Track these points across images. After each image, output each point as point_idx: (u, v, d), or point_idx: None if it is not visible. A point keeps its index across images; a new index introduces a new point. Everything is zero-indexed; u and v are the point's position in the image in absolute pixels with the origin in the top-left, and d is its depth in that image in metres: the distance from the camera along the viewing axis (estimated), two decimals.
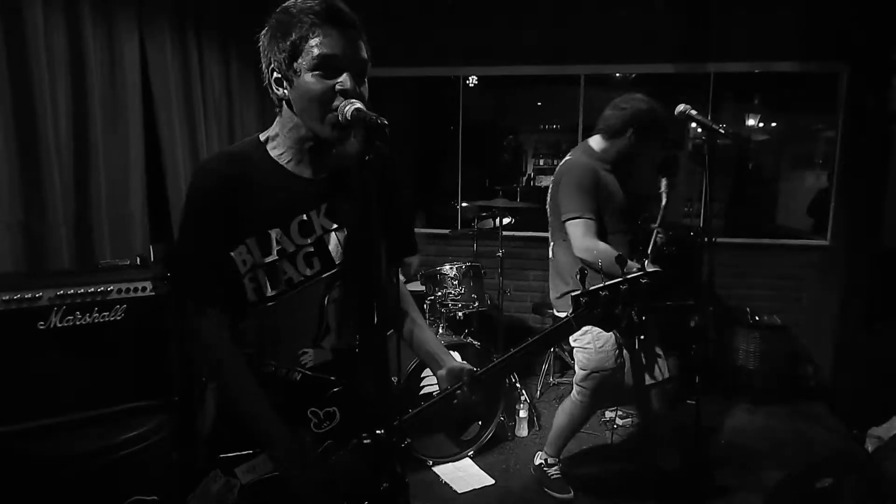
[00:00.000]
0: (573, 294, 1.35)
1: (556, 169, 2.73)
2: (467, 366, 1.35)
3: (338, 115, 1.13)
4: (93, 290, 2.03)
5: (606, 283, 1.33)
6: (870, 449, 3.23)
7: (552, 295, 2.83)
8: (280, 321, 1.27)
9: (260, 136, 1.30)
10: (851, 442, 3.39)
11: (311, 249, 1.27)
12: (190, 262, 1.28)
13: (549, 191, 2.76)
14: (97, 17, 2.58)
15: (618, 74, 5.10)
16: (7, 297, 1.89)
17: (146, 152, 2.89)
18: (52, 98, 2.36)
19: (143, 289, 2.12)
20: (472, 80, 5.10)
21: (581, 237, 2.50)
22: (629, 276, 1.35)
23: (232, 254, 1.23)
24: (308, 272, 1.27)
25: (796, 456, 3.30)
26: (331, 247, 1.28)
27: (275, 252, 1.24)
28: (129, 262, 2.27)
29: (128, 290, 2.10)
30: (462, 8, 4.62)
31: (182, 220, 1.28)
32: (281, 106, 1.24)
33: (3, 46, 2.19)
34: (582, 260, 2.51)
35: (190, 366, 2.31)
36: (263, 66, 1.22)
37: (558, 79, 4.97)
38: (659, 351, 2.83)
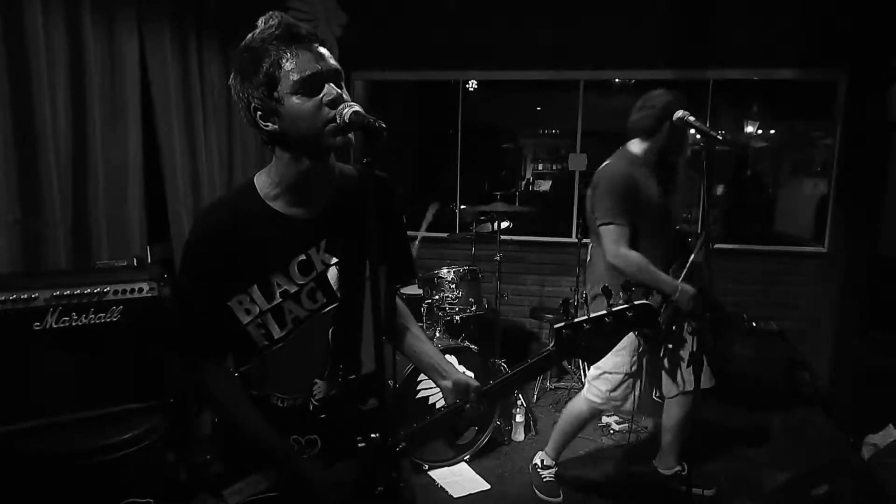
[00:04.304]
0: (555, 326, 1.33)
1: (595, 173, 2.70)
2: (473, 381, 1.37)
3: (336, 120, 1.14)
4: (89, 290, 2.02)
5: (590, 316, 1.29)
6: (866, 456, 3.23)
7: (588, 293, 2.84)
8: (288, 358, 1.29)
9: (255, 180, 1.29)
10: (848, 449, 3.38)
11: (314, 285, 1.28)
12: (190, 315, 1.28)
13: (588, 195, 2.73)
14: (97, 17, 2.57)
15: (617, 80, 5.12)
16: (3, 298, 1.88)
17: (144, 153, 2.89)
18: (51, 97, 2.35)
19: (140, 290, 2.12)
20: (472, 84, 5.11)
21: (613, 243, 2.51)
22: (614, 310, 1.31)
23: (230, 304, 1.24)
24: (313, 307, 1.29)
25: (792, 463, 3.29)
26: (331, 279, 1.30)
27: (278, 296, 1.26)
28: (125, 263, 2.25)
29: (124, 292, 2.09)
30: (462, 12, 4.63)
31: (180, 272, 1.28)
32: (272, 144, 1.23)
33: (3, 45, 2.18)
34: (614, 266, 2.51)
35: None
36: (243, 109, 1.21)
37: (558, 84, 4.98)
38: (695, 361, 2.57)
